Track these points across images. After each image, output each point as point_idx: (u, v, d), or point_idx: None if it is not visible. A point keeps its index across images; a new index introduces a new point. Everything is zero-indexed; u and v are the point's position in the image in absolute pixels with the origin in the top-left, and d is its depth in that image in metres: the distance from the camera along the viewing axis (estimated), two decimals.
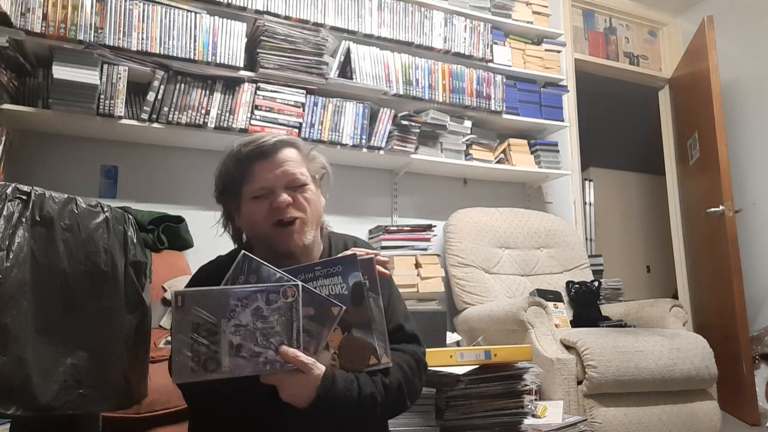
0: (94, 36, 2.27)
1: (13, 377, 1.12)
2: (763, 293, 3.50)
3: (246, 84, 2.50)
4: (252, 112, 2.51)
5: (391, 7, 2.91)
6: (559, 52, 3.44)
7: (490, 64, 3.15)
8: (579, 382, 2.15)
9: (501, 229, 3.02)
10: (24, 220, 1.19)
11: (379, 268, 1.14)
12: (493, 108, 3.07)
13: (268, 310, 0.98)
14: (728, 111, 3.60)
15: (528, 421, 1.70)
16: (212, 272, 1.23)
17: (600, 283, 2.95)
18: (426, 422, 1.54)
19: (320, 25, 2.71)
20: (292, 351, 0.98)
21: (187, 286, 1.23)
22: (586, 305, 2.86)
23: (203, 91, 2.43)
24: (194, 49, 2.44)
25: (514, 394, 1.64)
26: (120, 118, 2.29)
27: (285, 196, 1.19)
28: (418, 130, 2.84)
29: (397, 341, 1.22)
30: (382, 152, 2.79)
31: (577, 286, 2.92)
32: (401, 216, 3.06)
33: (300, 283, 1.01)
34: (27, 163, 2.34)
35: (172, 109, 2.37)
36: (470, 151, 3.05)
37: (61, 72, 2.15)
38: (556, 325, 2.46)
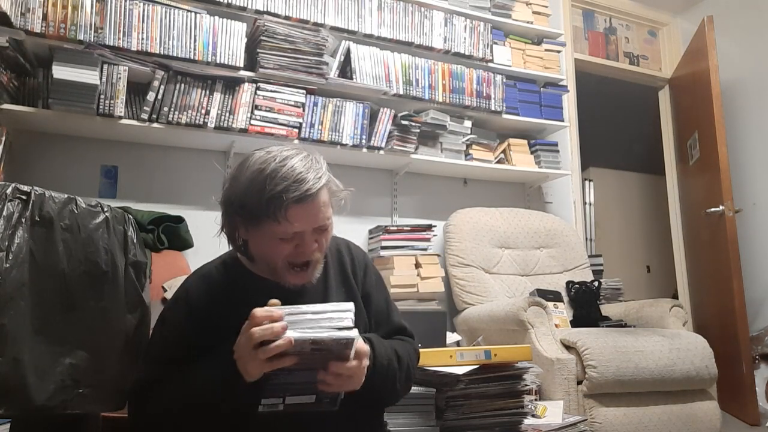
0: (94, 36, 2.27)
1: (9, 378, 1.12)
2: (763, 293, 3.50)
3: (246, 84, 2.50)
4: (252, 112, 2.51)
5: (391, 7, 2.91)
6: (559, 52, 3.44)
7: (490, 64, 3.14)
8: (579, 382, 2.15)
9: (501, 229, 3.02)
10: (24, 220, 1.19)
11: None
12: (493, 108, 3.07)
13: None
14: (728, 111, 3.60)
15: (528, 421, 1.70)
16: (203, 289, 1.20)
17: (600, 283, 2.95)
18: (426, 422, 1.53)
19: (320, 25, 2.71)
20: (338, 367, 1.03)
21: (174, 300, 1.22)
22: (586, 305, 2.86)
23: (203, 91, 2.43)
24: (194, 49, 2.44)
25: (514, 394, 1.64)
26: (120, 118, 2.29)
27: (314, 245, 1.14)
28: (418, 130, 2.84)
29: (397, 335, 1.34)
30: (382, 152, 2.79)
31: (577, 286, 2.92)
32: (401, 216, 3.06)
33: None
34: (27, 163, 2.34)
35: (172, 109, 2.37)
36: (470, 151, 3.05)
37: (61, 72, 2.15)
38: (556, 325, 2.46)
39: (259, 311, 0.99)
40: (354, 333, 1.01)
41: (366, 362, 1.08)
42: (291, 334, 0.98)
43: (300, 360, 1.00)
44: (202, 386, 1.06)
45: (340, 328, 1.00)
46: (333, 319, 1.01)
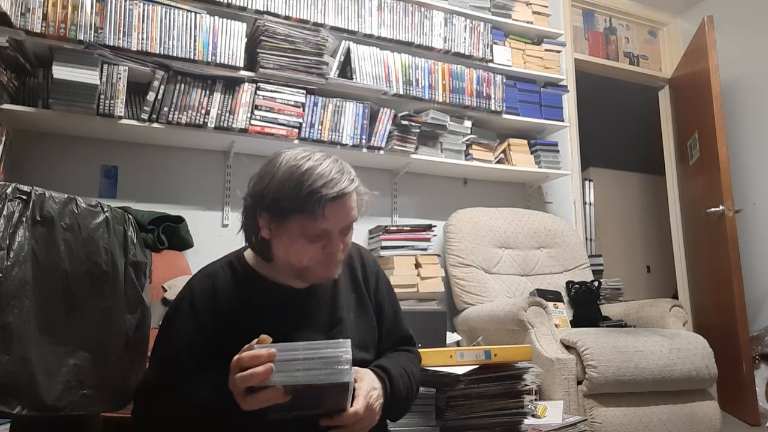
0: (94, 36, 2.27)
1: (18, 376, 1.12)
2: (763, 293, 3.50)
3: (246, 84, 2.50)
4: (252, 112, 2.51)
5: (391, 7, 2.91)
6: (559, 52, 3.44)
7: (490, 64, 3.14)
8: (579, 382, 2.15)
9: (501, 229, 3.02)
10: (24, 219, 1.19)
11: None
12: (493, 108, 3.07)
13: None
14: (728, 111, 3.60)
15: (528, 421, 1.70)
16: (208, 289, 1.18)
17: (600, 283, 2.95)
18: (426, 422, 1.53)
19: (320, 25, 2.71)
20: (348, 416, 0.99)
21: (179, 300, 1.19)
22: (586, 305, 2.86)
23: (203, 91, 2.43)
24: (194, 49, 2.44)
25: (514, 394, 1.64)
26: (120, 118, 2.29)
27: (340, 245, 1.17)
28: (418, 130, 2.84)
29: (403, 345, 1.36)
30: (382, 152, 2.79)
31: (577, 286, 2.92)
32: (401, 216, 3.06)
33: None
34: (27, 163, 2.34)
35: (172, 109, 2.37)
36: (470, 151, 3.05)
37: (61, 72, 2.15)
38: (556, 325, 2.46)
39: (245, 355, 0.93)
40: (348, 377, 0.93)
41: (377, 403, 1.05)
42: (279, 378, 0.90)
43: (296, 396, 0.94)
44: (206, 406, 1.05)
45: (336, 367, 0.92)
46: (328, 358, 0.92)
